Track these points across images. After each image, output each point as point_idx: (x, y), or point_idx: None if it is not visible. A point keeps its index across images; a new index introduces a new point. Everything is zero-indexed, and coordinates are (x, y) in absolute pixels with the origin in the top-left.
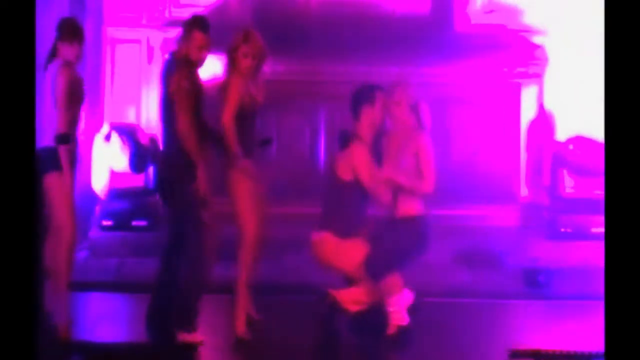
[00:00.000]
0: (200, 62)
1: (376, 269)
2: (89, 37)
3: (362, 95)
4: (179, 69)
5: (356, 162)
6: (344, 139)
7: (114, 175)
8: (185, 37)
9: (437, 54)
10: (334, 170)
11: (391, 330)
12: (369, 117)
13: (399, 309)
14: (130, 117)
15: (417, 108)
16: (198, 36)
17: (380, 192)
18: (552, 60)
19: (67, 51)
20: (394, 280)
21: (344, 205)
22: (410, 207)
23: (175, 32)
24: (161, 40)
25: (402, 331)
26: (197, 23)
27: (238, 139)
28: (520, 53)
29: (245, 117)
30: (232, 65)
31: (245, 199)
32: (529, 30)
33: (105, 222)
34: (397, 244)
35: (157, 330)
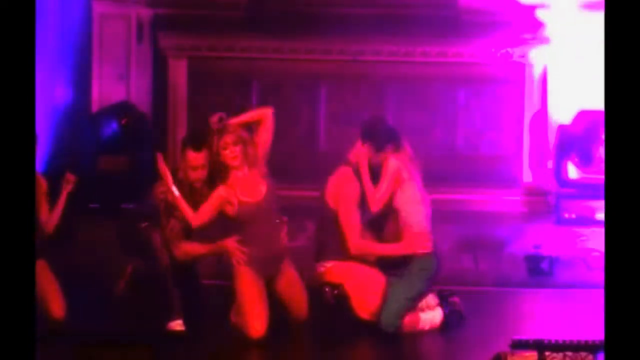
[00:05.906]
0: (196, 182)
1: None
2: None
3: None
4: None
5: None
6: None
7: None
8: (181, 155)
9: (440, 33)
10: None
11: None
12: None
13: (428, 317)
14: (119, 94)
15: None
16: (191, 156)
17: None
18: (556, 38)
19: None
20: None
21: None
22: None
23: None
24: (151, 16)
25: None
26: (189, 141)
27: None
28: (523, 32)
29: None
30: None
31: (249, 291)
32: (532, 5)
33: (92, 205)
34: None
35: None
